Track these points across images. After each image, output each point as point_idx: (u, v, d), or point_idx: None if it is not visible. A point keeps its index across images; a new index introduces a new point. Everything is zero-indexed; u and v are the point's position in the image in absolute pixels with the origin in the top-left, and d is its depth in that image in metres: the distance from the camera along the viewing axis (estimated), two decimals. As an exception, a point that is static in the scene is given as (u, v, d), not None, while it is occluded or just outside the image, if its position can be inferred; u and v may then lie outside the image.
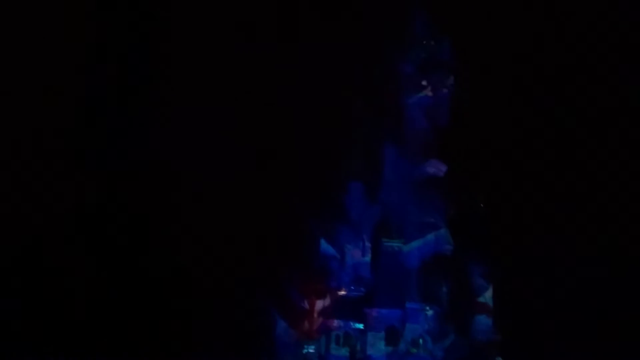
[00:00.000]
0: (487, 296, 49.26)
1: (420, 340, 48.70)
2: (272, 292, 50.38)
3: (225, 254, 52.20)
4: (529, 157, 54.87)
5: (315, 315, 50.24)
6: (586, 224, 52.83)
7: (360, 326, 49.63)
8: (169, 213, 52.21)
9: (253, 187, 54.17)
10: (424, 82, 51.88)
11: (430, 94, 51.59)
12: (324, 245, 51.17)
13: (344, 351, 49.30)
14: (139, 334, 47.74)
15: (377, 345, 49.40)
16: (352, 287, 50.32)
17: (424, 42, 52.16)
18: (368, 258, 51.12)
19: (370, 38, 51.44)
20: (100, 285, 45.86)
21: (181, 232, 52.51)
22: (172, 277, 51.02)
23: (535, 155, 53.75)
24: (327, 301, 50.21)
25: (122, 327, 47.04)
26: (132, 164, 50.44)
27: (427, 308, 49.21)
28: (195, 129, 52.58)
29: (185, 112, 52.86)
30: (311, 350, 49.68)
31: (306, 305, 50.29)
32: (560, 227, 52.32)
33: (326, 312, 49.94)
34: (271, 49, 53.94)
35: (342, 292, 50.03)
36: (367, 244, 51.16)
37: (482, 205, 51.41)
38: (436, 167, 51.91)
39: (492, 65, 54.56)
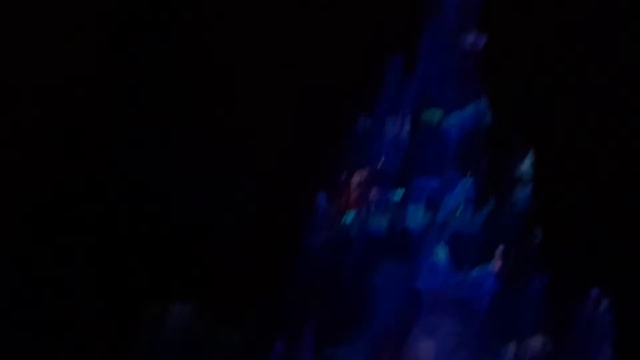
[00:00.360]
0: (527, 165, 48.96)
1: (460, 210, 48.79)
2: (312, 164, 50.49)
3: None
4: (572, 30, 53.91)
5: (355, 186, 50.35)
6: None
7: (399, 196, 49.85)
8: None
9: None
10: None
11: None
12: (363, 118, 51.03)
13: (383, 221, 49.52)
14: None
15: (416, 216, 49.59)
16: (392, 154, 50.30)
17: None
18: (407, 129, 51.03)
19: None
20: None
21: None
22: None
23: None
24: (366, 172, 50.26)
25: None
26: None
27: (467, 177, 49.24)
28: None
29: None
30: (350, 221, 49.95)
31: (345, 176, 50.41)
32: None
33: (365, 183, 50.04)
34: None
35: (381, 163, 50.10)
36: (407, 116, 51.02)
37: (522, 77, 51.03)
38: (476, 39, 51.39)
39: None
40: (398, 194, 49.46)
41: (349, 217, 49.79)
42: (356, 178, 50.37)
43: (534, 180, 49.36)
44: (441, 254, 48.44)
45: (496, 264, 47.34)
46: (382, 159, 49.98)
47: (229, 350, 45.01)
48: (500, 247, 47.68)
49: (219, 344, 45.62)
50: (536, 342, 47.37)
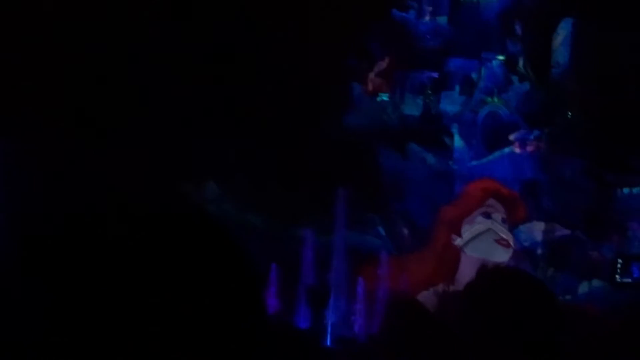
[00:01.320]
0: (565, 42, 48.31)
1: (495, 90, 48.53)
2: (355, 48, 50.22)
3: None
4: None
5: (391, 64, 50.32)
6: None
7: (436, 75, 49.73)
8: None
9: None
10: None
11: None
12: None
13: (419, 100, 49.49)
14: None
15: (452, 95, 49.47)
16: (429, 37, 50.15)
17: None
18: (446, 9, 50.83)
19: None
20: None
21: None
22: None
23: None
24: (403, 51, 50.15)
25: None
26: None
27: (503, 57, 48.89)
28: None
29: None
30: (385, 99, 50.02)
31: (382, 54, 50.40)
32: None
33: (402, 61, 49.96)
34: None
35: (419, 42, 49.95)
36: (445, 4, 50.79)
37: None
38: None
39: None
40: (434, 73, 49.48)
41: (384, 95, 49.92)
42: (387, 63, 50.29)
43: (571, 64, 48.92)
44: (474, 135, 48.34)
45: (515, 146, 46.56)
46: (420, 38, 49.95)
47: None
48: (528, 131, 47.19)
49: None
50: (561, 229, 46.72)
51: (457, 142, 48.06)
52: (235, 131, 48.14)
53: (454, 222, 42.77)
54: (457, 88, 49.02)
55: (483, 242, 42.35)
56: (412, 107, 49.42)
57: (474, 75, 48.98)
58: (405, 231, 46.24)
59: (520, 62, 48.87)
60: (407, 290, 41.01)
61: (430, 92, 49.13)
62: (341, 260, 42.79)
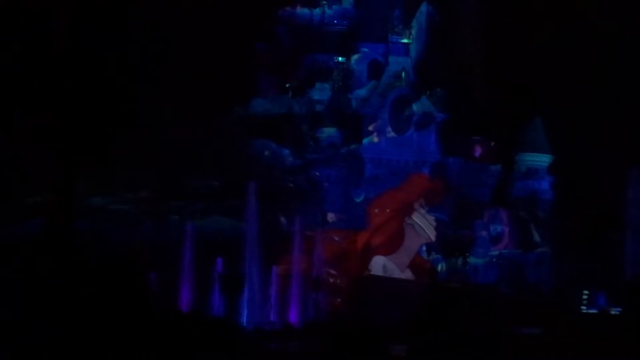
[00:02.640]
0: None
1: (403, 74, 48.93)
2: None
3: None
4: None
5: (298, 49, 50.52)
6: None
7: (343, 60, 49.97)
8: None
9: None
10: None
11: None
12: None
13: (327, 85, 49.67)
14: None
15: (360, 79, 49.83)
16: (336, 21, 50.35)
17: None
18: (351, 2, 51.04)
19: None
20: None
21: None
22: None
23: None
24: (311, 36, 50.27)
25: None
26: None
27: (408, 40, 49.33)
28: None
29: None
30: (294, 84, 50.18)
31: (289, 39, 50.60)
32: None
33: (310, 46, 50.12)
34: None
35: (326, 27, 50.13)
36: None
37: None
38: None
39: None
40: (342, 57, 49.72)
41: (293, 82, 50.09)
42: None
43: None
44: (385, 118, 48.81)
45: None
46: (326, 21, 50.12)
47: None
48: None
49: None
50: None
51: (366, 126, 48.55)
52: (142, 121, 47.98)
53: (407, 205, 45.82)
54: (365, 72, 49.42)
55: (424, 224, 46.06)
56: (321, 92, 49.59)
57: (381, 59, 49.38)
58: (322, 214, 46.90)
59: (428, 45, 49.57)
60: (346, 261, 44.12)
61: (338, 76, 49.39)
62: (255, 247, 43.04)
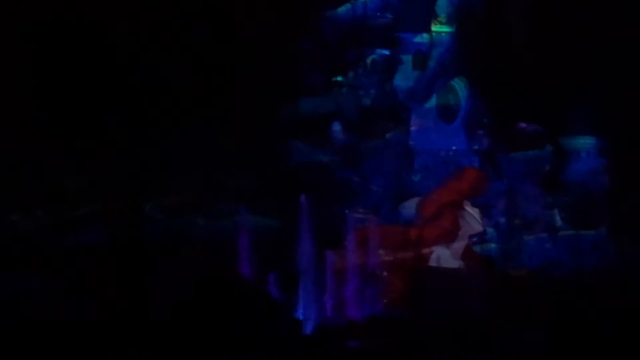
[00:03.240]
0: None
1: (447, 63, 48.84)
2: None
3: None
4: None
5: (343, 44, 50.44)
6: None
7: (388, 52, 49.92)
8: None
9: None
10: None
11: None
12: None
13: (373, 78, 49.62)
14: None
15: (404, 70, 49.73)
16: (379, 14, 50.28)
17: None
18: (394, -11, 50.93)
19: None
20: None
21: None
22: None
23: None
24: (354, 30, 50.22)
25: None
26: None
27: (455, 31, 49.09)
28: None
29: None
30: (340, 79, 50.12)
31: (333, 35, 50.49)
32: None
33: (354, 41, 50.07)
34: None
35: (369, 20, 50.04)
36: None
37: None
38: None
39: None
40: (386, 49, 49.65)
41: (339, 76, 50.02)
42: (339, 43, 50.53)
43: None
44: (431, 109, 48.77)
45: None
46: (369, 14, 50.00)
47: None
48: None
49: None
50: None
51: (414, 117, 48.52)
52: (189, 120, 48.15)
53: (460, 197, 45.51)
54: (410, 63, 49.31)
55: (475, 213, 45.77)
56: (368, 86, 49.55)
57: (425, 50, 49.25)
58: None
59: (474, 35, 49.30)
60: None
61: (384, 69, 49.34)
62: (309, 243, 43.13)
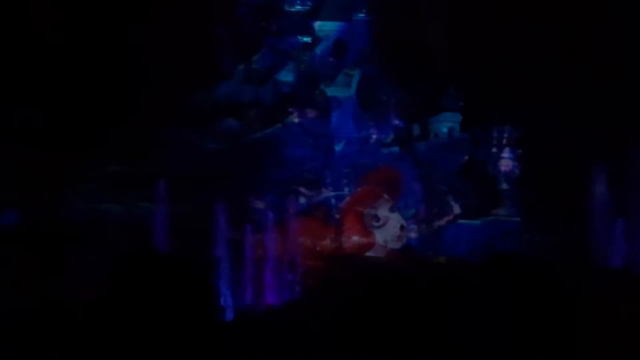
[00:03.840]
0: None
1: (367, 52, 49.02)
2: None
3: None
4: None
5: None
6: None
7: (308, 40, 49.83)
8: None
9: None
10: None
11: None
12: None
13: (291, 65, 49.52)
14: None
15: (325, 59, 49.73)
16: (298, 1, 50.16)
17: None
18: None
19: None
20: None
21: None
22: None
23: None
24: (273, 16, 50.12)
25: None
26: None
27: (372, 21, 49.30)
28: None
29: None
30: (258, 66, 49.99)
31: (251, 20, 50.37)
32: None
33: (272, 27, 49.97)
34: None
35: (289, 7, 49.89)
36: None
37: None
38: None
39: None
40: (307, 37, 49.61)
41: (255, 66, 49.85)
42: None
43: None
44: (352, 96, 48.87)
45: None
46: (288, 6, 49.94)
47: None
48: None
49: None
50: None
51: (334, 105, 48.52)
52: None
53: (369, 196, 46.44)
54: (330, 52, 49.33)
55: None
56: (286, 73, 49.39)
57: (346, 38, 49.32)
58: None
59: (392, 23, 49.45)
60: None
61: (302, 57, 49.25)
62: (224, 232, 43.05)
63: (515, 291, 32.90)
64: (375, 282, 37.17)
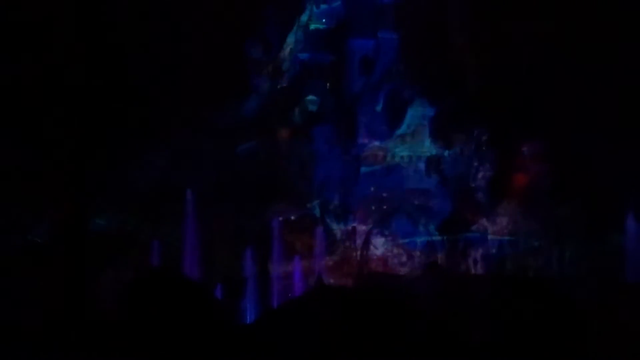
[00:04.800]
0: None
1: (394, 68, 49.00)
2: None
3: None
4: None
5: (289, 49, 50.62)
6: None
7: (334, 58, 50.01)
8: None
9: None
10: None
11: None
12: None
13: (319, 83, 49.69)
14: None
15: (352, 76, 49.86)
16: (324, 20, 50.40)
17: None
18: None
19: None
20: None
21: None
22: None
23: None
24: (301, 35, 50.43)
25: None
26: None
27: (400, 37, 49.35)
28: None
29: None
30: (285, 85, 50.27)
31: (279, 40, 50.68)
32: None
33: (300, 45, 50.24)
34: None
35: (315, 25, 50.15)
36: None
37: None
38: None
39: None
40: (332, 55, 49.76)
41: (283, 85, 50.11)
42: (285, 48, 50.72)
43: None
44: (379, 113, 48.80)
45: None
46: (317, 21, 50.16)
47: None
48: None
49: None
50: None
51: (361, 122, 48.55)
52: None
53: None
54: (357, 69, 49.45)
55: None
56: (313, 91, 49.59)
57: (372, 55, 49.40)
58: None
59: (419, 41, 49.51)
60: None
61: (330, 75, 49.46)
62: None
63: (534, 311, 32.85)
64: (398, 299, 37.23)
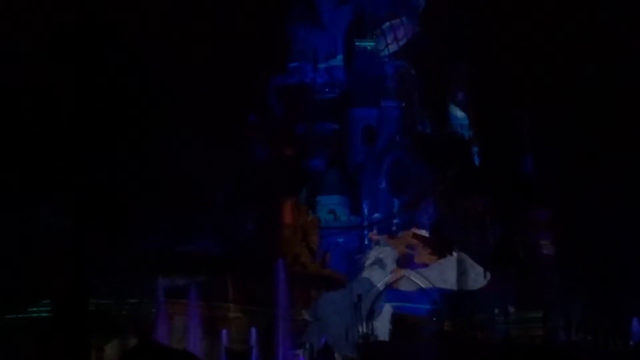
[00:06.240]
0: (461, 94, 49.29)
1: (397, 137, 48.99)
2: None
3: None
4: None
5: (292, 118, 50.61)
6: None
7: (337, 127, 50.05)
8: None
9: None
10: None
11: None
12: (297, 47, 51.11)
13: (323, 152, 49.66)
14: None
15: (355, 145, 49.86)
16: (327, 89, 50.56)
17: None
18: (341, 59, 51.28)
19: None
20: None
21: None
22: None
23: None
24: (303, 104, 50.42)
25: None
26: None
27: (403, 105, 49.43)
28: None
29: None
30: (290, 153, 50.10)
31: (282, 109, 50.69)
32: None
33: (302, 115, 50.23)
34: None
35: (317, 95, 50.25)
36: (340, 45, 51.31)
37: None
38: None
39: None
40: (335, 124, 49.83)
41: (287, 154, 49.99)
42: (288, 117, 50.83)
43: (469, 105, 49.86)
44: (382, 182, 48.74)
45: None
46: (318, 91, 50.27)
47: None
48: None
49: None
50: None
51: (364, 192, 48.50)
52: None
53: None
54: (360, 138, 49.53)
55: None
56: (317, 160, 49.59)
57: (374, 124, 49.50)
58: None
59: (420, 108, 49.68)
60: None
61: (333, 144, 49.51)
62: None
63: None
64: None
